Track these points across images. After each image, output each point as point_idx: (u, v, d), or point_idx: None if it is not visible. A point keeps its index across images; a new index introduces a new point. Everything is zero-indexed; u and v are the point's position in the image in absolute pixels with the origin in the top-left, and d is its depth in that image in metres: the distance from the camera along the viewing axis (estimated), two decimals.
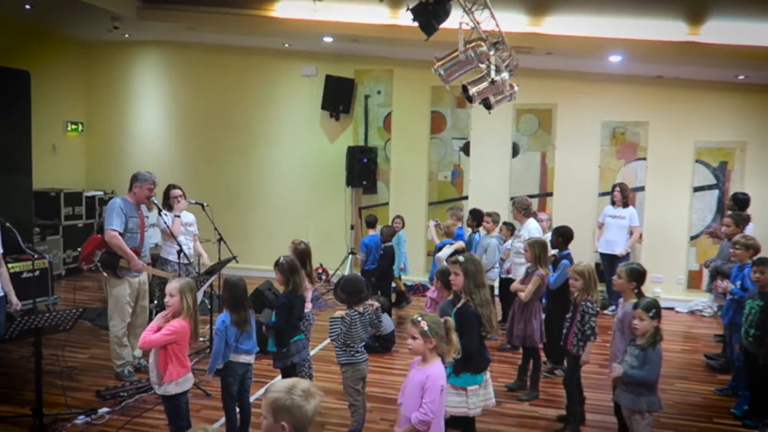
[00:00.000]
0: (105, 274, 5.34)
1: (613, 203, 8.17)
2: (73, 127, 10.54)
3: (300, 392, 2.09)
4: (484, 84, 5.64)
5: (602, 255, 8.19)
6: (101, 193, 10.18)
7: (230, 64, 10.16)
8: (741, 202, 7.07)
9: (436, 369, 3.20)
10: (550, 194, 9.06)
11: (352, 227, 9.72)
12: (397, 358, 6.33)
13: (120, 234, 5.26)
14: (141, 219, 5.54)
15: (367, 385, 5.18)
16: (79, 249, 7.54)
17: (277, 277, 4.44)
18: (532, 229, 6.78)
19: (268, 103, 10.12)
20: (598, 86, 8.85)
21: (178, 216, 6.40)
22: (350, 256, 9.42)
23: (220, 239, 6.74)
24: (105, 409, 4.77)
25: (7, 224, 4.72)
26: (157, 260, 6.53)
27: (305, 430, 2.11)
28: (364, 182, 9.42)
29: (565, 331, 4.65)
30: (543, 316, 5.40)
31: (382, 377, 5.72)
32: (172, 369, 3.70)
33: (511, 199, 7.96)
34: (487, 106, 6.49)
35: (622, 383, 3.79)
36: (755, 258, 4.89)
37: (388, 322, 6.52)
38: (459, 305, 3.87)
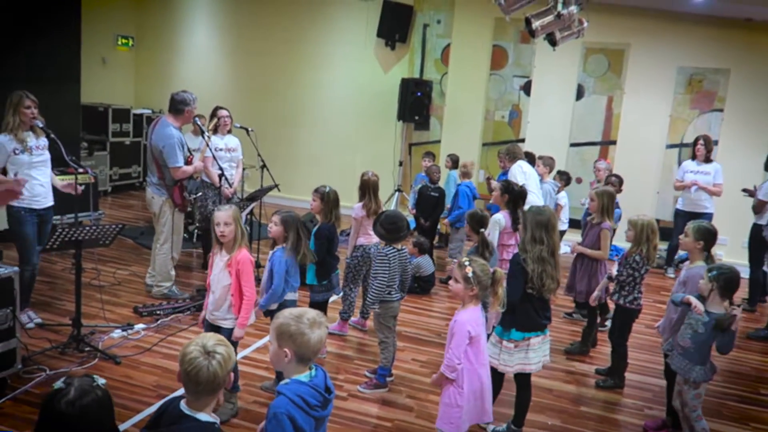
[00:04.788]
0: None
1: (695, 157, 7.32)
2: (123, 41, 10.43)
3: (306, 320, 2.10)
4: (550, 17, 5.28)
5: (682, 213, 7.22)
6: (149, 111, 10.12)
7: None
8: None
9: (467, 314, 3.02)
10: (614, 142, 8.49)
11: (401, 163, 9.42)
12: (435, 301, 6.18)
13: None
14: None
15: (402, 324, 5.07)
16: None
17: (315, 206, 4.53)
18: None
19: (322, 26, 9.70)
20: (677, 27, 8.07)
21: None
22: (397, 193, 9.16)
23: (264, 166, 6.59)
24: (141, 326, 4.82)
25: (51, 135, 4.61)
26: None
27: (308, 359, 2.13)
28: (417, 117, 9.02)
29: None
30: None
31: (417, 318, 5.62)
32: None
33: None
34: (552, 42, 6.04)
35: (679, 347, 3.51)
36: None
37: (428, 264, 6.35)
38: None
